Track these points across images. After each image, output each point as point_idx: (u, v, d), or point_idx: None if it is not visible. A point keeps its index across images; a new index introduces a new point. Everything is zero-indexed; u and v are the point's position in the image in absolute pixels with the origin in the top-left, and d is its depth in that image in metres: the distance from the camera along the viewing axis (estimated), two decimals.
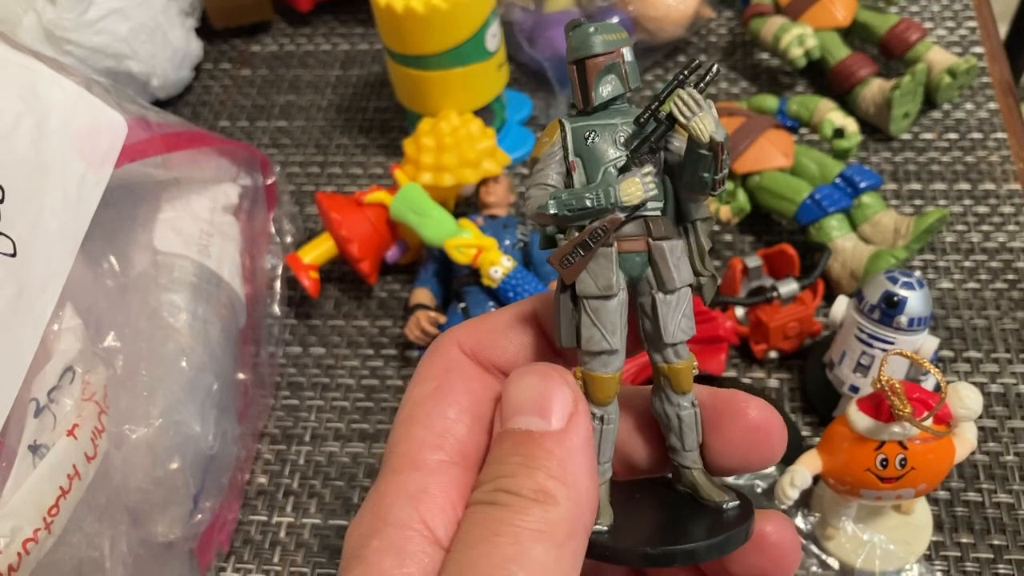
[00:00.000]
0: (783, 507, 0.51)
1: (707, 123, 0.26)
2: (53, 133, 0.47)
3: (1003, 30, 1.28)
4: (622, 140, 0.28)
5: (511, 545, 0.23)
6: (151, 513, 0.48)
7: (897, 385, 0.44)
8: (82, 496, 0.42)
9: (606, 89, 0.29)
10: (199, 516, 0.51)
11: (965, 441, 0.48)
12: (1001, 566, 0.53)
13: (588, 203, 0.27)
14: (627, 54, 0.29)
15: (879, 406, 0.46)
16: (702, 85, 0.27)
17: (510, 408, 0.26)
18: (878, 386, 0.45)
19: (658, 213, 0.28)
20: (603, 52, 0.28)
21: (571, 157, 0.28)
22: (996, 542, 0.54)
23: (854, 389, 0.56)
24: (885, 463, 0.46)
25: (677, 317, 0.28)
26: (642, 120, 0.28)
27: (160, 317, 0.53)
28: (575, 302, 0.28)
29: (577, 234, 0.27)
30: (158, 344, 0.51)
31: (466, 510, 0.25)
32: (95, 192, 0.48)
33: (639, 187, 0.27)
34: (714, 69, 0.28)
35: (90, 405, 0.43)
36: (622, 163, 0.28)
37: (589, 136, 0.28)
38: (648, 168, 0.27)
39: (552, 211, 0.27)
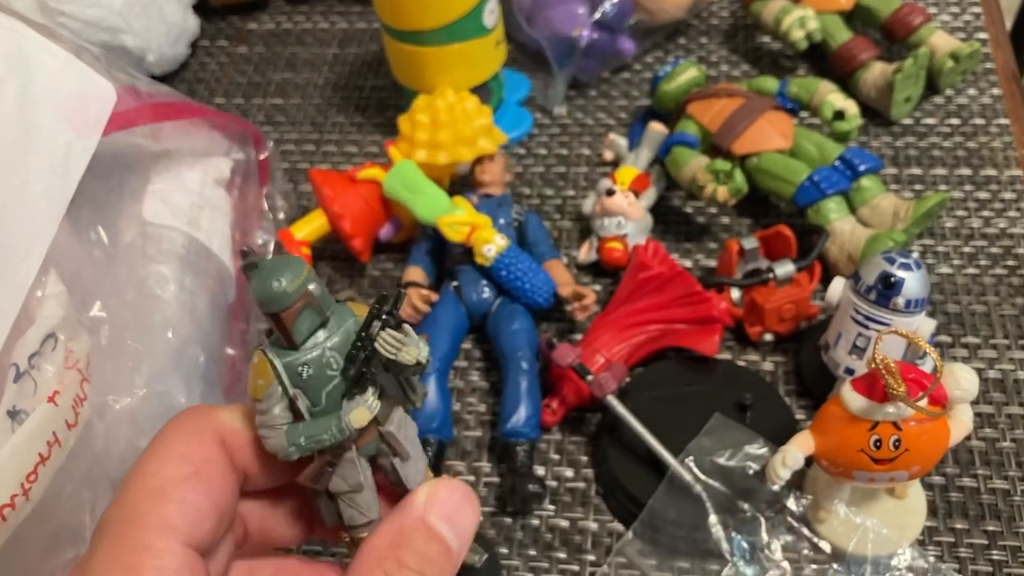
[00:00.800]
0: (774, 487, 0.50)
1: (411, 352, 0.31)
2: (39, 98, 0.46)
3: (1009, 22, 1.27)
4: (335, 365, 0.31)
5: None
6: None
7: (892, 364, 0.44)
8: (62, 464, 0.41)
9: (304, 325, 0.31)
10: None
11: (960, 424, 0.48)
12: (995, 552, 0.52)
13: (326, 438, 0.30)
14: (313, 287, 0.31)
15: (874, 386, 0.46)
16: (395, 315, 0.32)
17: (446, 510, 0.30)
18: (873, 365, 0.44)
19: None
20: (294, 302, 0.31)
21: (291, 391, 0.31)
22: (990, 528, 0.53)
23: (849, 371, 0.55)
24: (879, 444, 0.46)
25: (416, 465, 0.32)
26: (353, 353, 0.31)
27: (147, 288, 0.53)
28: (331, 496, 0.32)
29: (320, 456, 0.31)
30: (144, 315, 0.51)
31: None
32: (82, 159, 0.47)
33: (366, 412, 0.31)
34: (402, 295, 0.33)
35: (72, 373, 0.42)
36: (343, 389, 0.31)
37: (302, 370, 0.31)
38: (369, 391, 0.31)
39: (295, 456, 0.30)
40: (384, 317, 0.33)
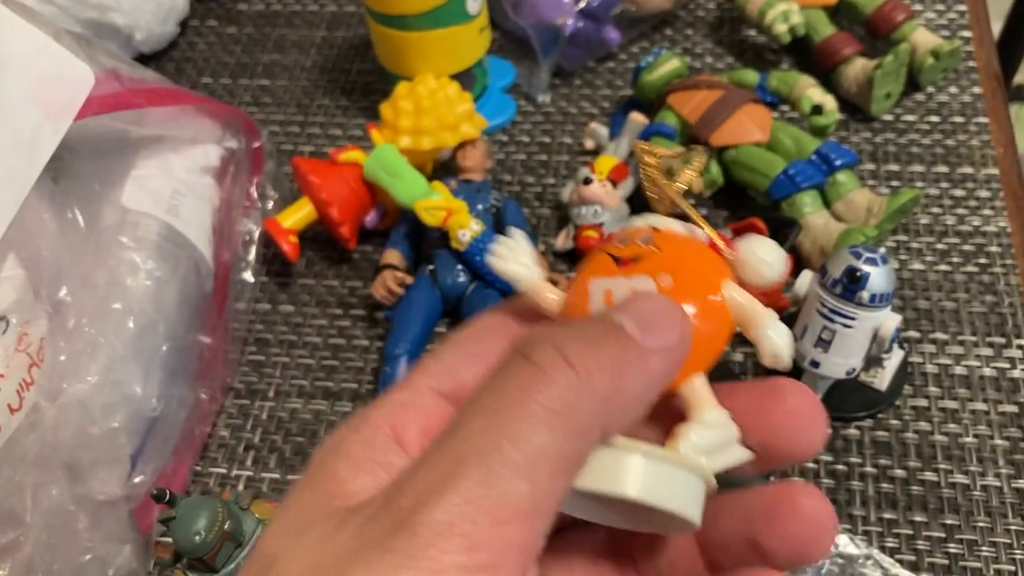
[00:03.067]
0: None
1: None
2: (9, 79, 0.46)
3: (997, 27, 1.26)
4: None
5: (519, 421, 0.21)
6: (87, 470, 0.48)
7: (655, 150, 0.30)
8: (1, 447, 0.42)
9: (225, 555, 0.39)
10: (140, 478, 0.51)
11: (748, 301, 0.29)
12: (952, 545, 0.53)
13: None
14: (228, 524, 0.39)
15: None
16: None
17: (622, 310, 0.24)
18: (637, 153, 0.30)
19: None
20: (215, 545, 0.39)
21: None
22: (949, 522, 0.54)
23: (815, 364, 0.56)
24: (625, 240, 0.29)
25: None
26: None
27: (116, 275, 0.53)
28: None
29: None
30: (107, 301, 0.51)
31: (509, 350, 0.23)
32: (51, 142, 0.47)
33: None
34: None
35: (21, 356, 0.43)
36: None
37: None
38: None
39: None
40: None
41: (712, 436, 0.24)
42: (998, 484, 0.55)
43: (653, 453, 0.23)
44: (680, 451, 0.24)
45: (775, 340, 0.25)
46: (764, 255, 0.27)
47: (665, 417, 0.26)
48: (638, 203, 0.70)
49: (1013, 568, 0.52)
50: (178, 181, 0.61)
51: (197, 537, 0.37)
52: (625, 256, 0.27)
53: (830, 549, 0.25)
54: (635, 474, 0.23)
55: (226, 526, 0.39)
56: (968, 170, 0.70)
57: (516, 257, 0.27)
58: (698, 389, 0.25)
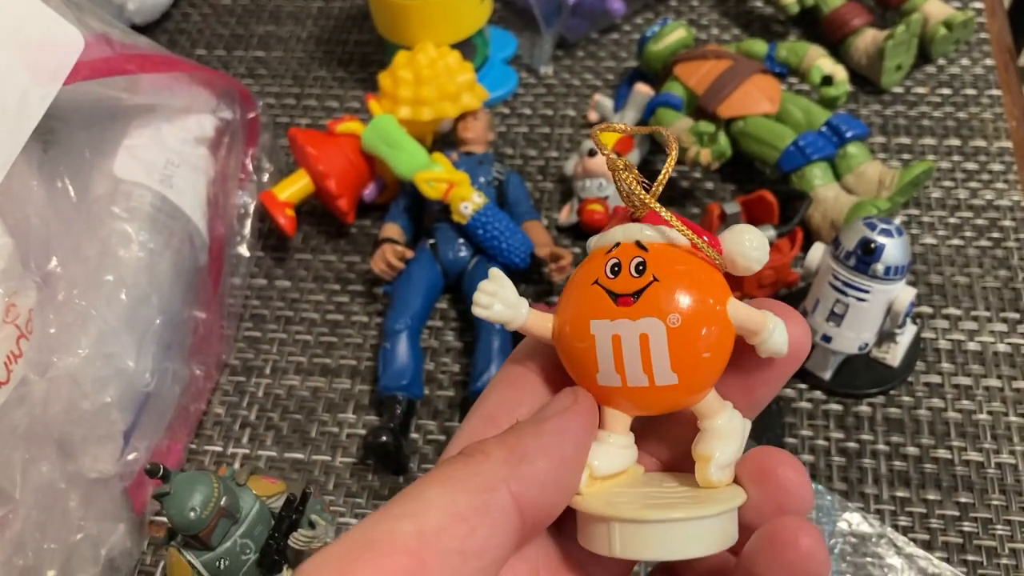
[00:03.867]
0: None
1: (320, 542, 0.39)
2: None
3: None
4: (247, 551, 0.39)
5: (417, 484, 0.24)
6: (78, 446, 0.46)
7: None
8: None
9: (221, 532, 0.38)
10: (133, 455, 0.50)
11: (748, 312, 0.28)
12: (966, 524, 0.52)
13: None
14: (224, 500, 0.38)
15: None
16: (303, 511, 0.42)
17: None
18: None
19: None
20: (210, 522, 0.38)
21: None
22: (963, 500, 0.53)
23: (827, 339, 0.54)
24: (617, 269, 0.27)
25: None
26: (269, 544, 0.40)
27: (107, 246, 0.51)
28: None
29: None
30: (99, 273, 0.49)
31: None
32: (38, 107, 0.45)
33: None
34: (308, 493, 0.42)
35: (9, 328, 0.41)
36: (257, 570, 0.40)
37: (220, 563, 0.38)
38: (284, 570, 0.40)
39: None
40: (294, 517, 0.40)
41: (730, 446, 0.26)
42: (1013, 462, 0.54)
43: (690, 515, 0.24)
44: (711, 476, 0.26)
45: (777, 340, 0.25)
46: (748, 247, 0.26)
47: (671, 433, 0.28)
48: (643, 176, 0.68)
49: None
50: (171, 151, 0.59)
51: (192, 513, 0.36)
52: (622, 291, 0.26)
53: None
54: (681, 538, 0.24)
55: (222, 502, 0.37)
56: (980, 143, 0.69)
57: (499, 299, 0.27)
58: (710, 402, 0.26)
